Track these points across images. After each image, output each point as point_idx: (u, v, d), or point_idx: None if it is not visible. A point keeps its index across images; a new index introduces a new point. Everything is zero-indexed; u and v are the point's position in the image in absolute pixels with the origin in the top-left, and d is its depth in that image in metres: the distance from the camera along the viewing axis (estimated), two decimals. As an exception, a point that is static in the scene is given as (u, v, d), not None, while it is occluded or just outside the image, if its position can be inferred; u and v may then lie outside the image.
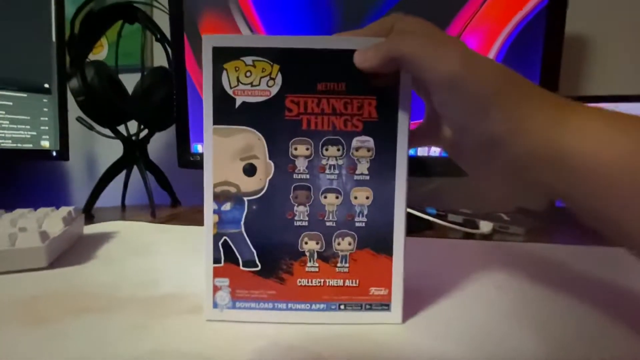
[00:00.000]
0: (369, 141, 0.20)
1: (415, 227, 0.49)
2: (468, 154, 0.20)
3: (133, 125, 0.61)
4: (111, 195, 0.63)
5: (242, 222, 0.21)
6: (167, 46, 0.61)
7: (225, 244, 0.21)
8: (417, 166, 0.52)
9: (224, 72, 0.20)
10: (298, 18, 0.51)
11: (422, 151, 0.52)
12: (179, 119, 0.56)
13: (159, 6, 0.60)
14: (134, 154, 0.60)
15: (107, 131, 0.58)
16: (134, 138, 0.60)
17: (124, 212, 0.61)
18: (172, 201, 0.68)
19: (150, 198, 0.57)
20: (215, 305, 0.21)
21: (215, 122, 0.20)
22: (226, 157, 0.20)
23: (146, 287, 0.26)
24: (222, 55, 0.20)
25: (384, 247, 0.21)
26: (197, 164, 0.57)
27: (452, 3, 0.48)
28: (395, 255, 0.21)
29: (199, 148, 0.56)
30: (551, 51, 0.48)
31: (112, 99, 0.55)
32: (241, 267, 0.21)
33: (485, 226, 0.48)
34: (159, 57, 0.70)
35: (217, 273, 0.21)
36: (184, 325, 0.21)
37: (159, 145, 0.71)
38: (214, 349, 0.18)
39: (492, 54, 0.49)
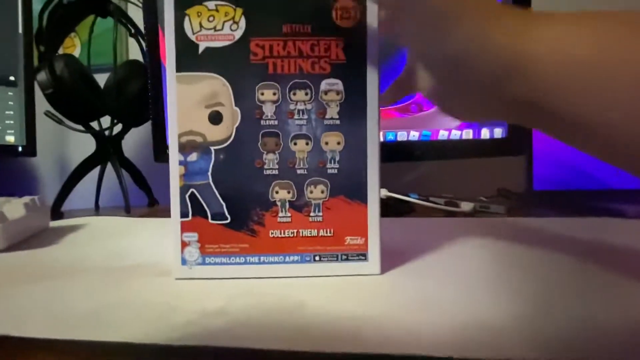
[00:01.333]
0: (338, 84, 0.20)
1: (397, 210, 0.49)
2: (441, 89, 0.20)
3: (106, 121, 0.59)
4: (84, 196, 0.60)
5: (210, 173, 0.20)
6: (141, 40, 0.60)
7: (192, 196, 0.20)
8: (396, 151, 0.52)
9: (186, 18, 0.19)
10: None
11: (401, 136, 0.52)
12: (155, 112, 0.54)
13: (132, 0, 0.60)
14: (108, 150, 0.58)
15: (78, 126, 0.56)
16: (106, 133, 0.58)
17: (97, 213, 0.59)
18: (149, 200, 0.65)
19: (125, 194, 0.55)
20: (184, 262, 0.20)
21: (178, 70, 0.19)
22: (191, 105, 0.20)
23: (110, 260, 0.25)
24: (184, 1, 0.19)
25: (358, 193, 0.20)
26: (174, 157, 0.55)
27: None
28: (370, 202, 0.20)
29: (176, 141, 0.55)
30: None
31: (83, 92, 0.53)
32: (210, 221, 0.20)
33: (466, 205, 0.48)
34: (134, 53, 0.69)
35: (184, 227, 0.20)
36: (151, 284, 0.19)
37: (134, 142, 0.69)
38: (182, 299, 0.17)
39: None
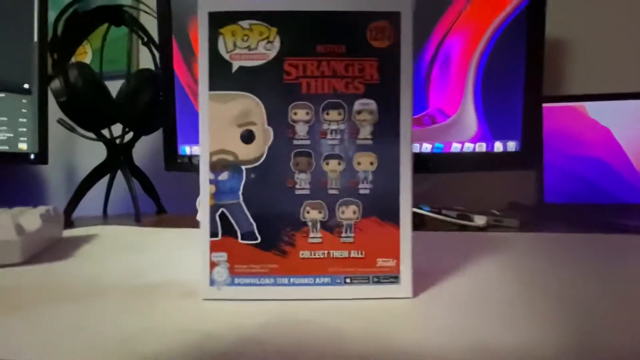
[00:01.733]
0: (371, 104, 0.20)
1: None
2: None
3: (117, 129, 0.59)
4: (92, 204, 0.60)
5: (241, 192, 0.19)
6: (153, 49, 0.60)
7: (222, 215, 0.19)
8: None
9: (220, 37, 0.19)
10: None
11: (414, 148, 0.52)
12: (167, 120, 0.54)
13: (145, 9, 0.60)
14: (118, 158, 0.58)
15: (89, 134, 0.56)
16: (117, 141, 0.58)
17: (105, 220, 0.58)
18: (158, 209, 0.65)
19: (135, 202, 0.55)
20: (212, 282, 0.19)
21: (211, 88, 0.19)
22: (223, 124, 0.19)
23: (131, 277, 0.24)
24: (218, 20, 0.19)
25: (391, 215, 0.20)
26: (184, 166, 0.55)
27: (435, 7, 0.50)
28: (403, 224, 0.20)
29: (187, 150, 0.55)
30: (534, 52, 0.50)
31: (95, 100, 0.54)
32: (240, 240, 0.19)
33: (480, 219, 0.48)
34: (145, 62, 0.69)
35: (214, 247, 0.19)
36: (179, 306, 0.19)
37: (144, 150, 0.69)
38: (214, 324, 0.17)
39: (476, 55, 0.50)
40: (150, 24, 0.58)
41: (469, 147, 0.51)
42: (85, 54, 0.75)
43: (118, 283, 0.23)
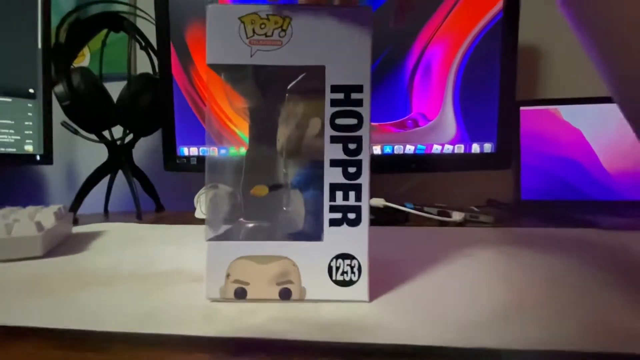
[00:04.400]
0: None
1: (394, 219, 0.53)
2: None
3: (117, 131, 0.62)
4: (92, 202, 0.63)
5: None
6: (151, 53, 0.63)
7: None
8: (393, 164, 0.56)
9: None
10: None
11: (398, 149, 0.56)
12: (166, 122, 0.57)
13: (142, 15, 0.63)
14: (119, 158, 0.60)
15: (92, 136, 0.58)
16: (118, 142, 0.61)
17: (107, 217, 0.62)
18: (157, 207, 0.68)
19: (137, 201, 0.58)
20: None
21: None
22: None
23: (144, 266, 0.28)
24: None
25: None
26: (182, 166, 0.58)
27: (418, 17, 0.54)
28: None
29: (185, 151, 0.58)
30: (508, 59, 0.54)
31: (97, 103, 0.56)
32: None
33: (457, 215, 0.52)
34: (142, 66, 0.72)
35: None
36: (191, 288, 0.23)
37: (143, 151, 0.72)
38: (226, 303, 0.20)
39: (455, 63, 0.54)
40: (148, 29, 0.61)
41: (448, 148, 0.55)
42: (83, 57, 0.77)
43: (132, 271, 0.27)
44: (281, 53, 0.21)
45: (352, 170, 0.21)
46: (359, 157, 0.21)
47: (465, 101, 0.54)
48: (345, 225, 0.21)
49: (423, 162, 0.56)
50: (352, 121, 0.21)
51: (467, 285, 0.23)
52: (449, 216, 0.52)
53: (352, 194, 0.21)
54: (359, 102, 0.21)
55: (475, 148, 0.55)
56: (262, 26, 0.21)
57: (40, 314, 0.19)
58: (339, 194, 0.21)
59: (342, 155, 0.21)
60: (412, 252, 0.32)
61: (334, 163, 0.21)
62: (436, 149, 0.55)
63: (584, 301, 0.20)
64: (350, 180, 0.21)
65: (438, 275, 0.25)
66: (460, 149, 0.55)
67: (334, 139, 0.21)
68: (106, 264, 0.29)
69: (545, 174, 0.66)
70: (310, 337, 0.16)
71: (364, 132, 0.21)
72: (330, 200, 0.21)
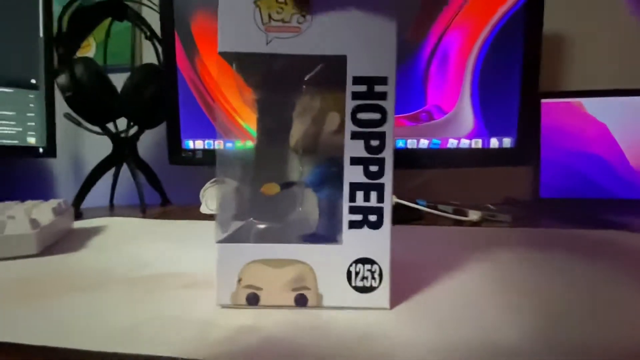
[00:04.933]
0: None
1: (406, 217, 0.50)
2: None
3: (122, 123, 0.60)
4: (98, 195, 0.62)
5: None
6: (156, 43, 0.61)
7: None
8: (406, 158, 0.53)
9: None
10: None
11: (411, 143, 0.53)
12: (170, 114, 0.56)
13: (147, 4, 0.61)
14: (123, 151, 0.59)
15: (95, 128, 0.57)
16: (123, 135, 0.59)
17: (112, 211, 0.60)
18: (162, 200, 0.67)
19: (141, 194, 0.57)
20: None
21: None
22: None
23: (139, 268, 0.26)
24: None
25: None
26: (188, 160, 0.57)
27: (434, 3, 0.50)
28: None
29: (190, 144, 0.56)
30: (531, 49, 0.50)
31: (101, 95, 0.55)
32: None
33: (474, 214, 0.49)
34: (148, 56, 0.70)
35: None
36: (184, 295, 0.21)
37: (147, 143, 0.71)
38: (220, 314, 0.18)
39: (474, 52, 0.51)
40: (153, 18, 0.58)
41: (465, 143, 0.52)
42: (89, 47, 0.76)
43: (126, 274, 0.25)
44: (300, 41, 0.19)
45: (374, 169, 0.19)
46: (381, 155, 0.19)
47: (484, 93, 0.51)
48: (366, 228, 0.19)
49: (437, 158, 0.53)
50: (376, 116, 0.19)
51: (491, 293, 0.21)
52: (465, 215, 0.50)
53: (373, 195, 0.19)
54: (383, 96, 0.19)
55: (494, 143, 0.52)
56: (279, 11, 0.19)
57: (13, 326, 0.17)
58: (360, 194, 0.19)
59: (363, 153, 0.19)
60: (430, 254, 0.29)
61: (355, 161, 0.19)
62: (452, 143, 0.52)
63: (621, 312, 0.18)
64: (372, 179, 0.19)
65: (459, 280, 0.23)
66: (477, 143, 0.52)
67: (355, 135, 0.19)
68: (100, 264, 0.27)
69: (566, 171, 0.62)
70: (327, 350, 0.14)
71: (387, 128, 0.19)
72: (350, 201, 0.19)
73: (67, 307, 0.19)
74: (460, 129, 0.52)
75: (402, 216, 0.50)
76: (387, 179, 0.19)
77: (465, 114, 0.52)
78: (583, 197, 0.61)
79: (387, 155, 0.19)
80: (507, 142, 0.52)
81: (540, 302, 0.20)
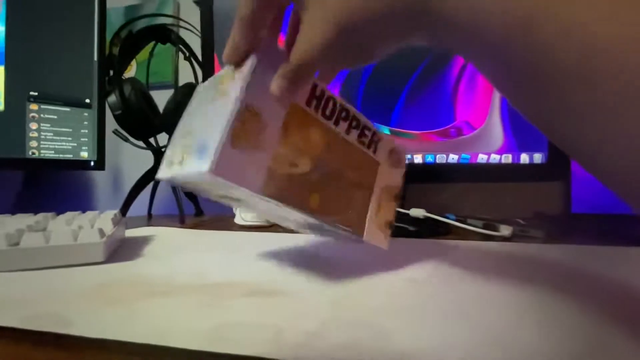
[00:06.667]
0: None
1: (435, 231, 0.51)
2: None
3: (162, 139, 0.64)
4: (135, 205, 0.66)
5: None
6: (194, 63, 0.65)
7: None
8: (435, 173, 0.55)
9: None
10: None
11: (440, 158, 0.54)
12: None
13: (185, 26, 0.65)
14: (164, 164, 0.63)
15: (139, 143, 0.61)
16: (163, 150, 0.63)
17: (150, 220, 0.64)
18: (196, 210, 0.70)
19: (180, 206, 0.60)
20: None
21: None
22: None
23: (196, 277, 0.28)
24: None
25: None
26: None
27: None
28: None
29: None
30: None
31: (146, 112, 0.59)
32: None
33: (505, 229, 0.49)
34: (184, 75, 0.74)
35: None
36: (246, 304, 0.23)
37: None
38: (285, 319, 0.20)
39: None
40: (190, 40, 0.63)
41: (495, 158, 0.53)
42: (130, 67, 0.82)
43: (188, 282, 0.27)
44: None
45: None
46: None
47: (513, 109, 0.52)
48: None
49: (467, 172, 0.54)
50: None
51: (542, 318, 0.22)
52: (496, 230, 0.50)
53: None
54: None
55: (524, 158, 0.53)
56: None
57: (114, 325, 0.20)
58: None
59: None
60: (467, 270, 0.30)
61: None
62: (482, 158, 0.53)
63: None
64: None
65: (503, 301, 0.24)
66: (507, 159, 0.53)
67: None
68: (161, 272, 0.30)
69: (599, 185, 0.61)
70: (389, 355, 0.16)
71: None
72: None
73: (151, 310, 0.22)
74: (489, 144, 0.53)
75: (431, 230, 0.51)
76: None
77: (495, 130, 0.53)
78: (616, 212, 0.60)
79: None
80: (537, 157, 0.52)
81: (580, 323, 0.20)
